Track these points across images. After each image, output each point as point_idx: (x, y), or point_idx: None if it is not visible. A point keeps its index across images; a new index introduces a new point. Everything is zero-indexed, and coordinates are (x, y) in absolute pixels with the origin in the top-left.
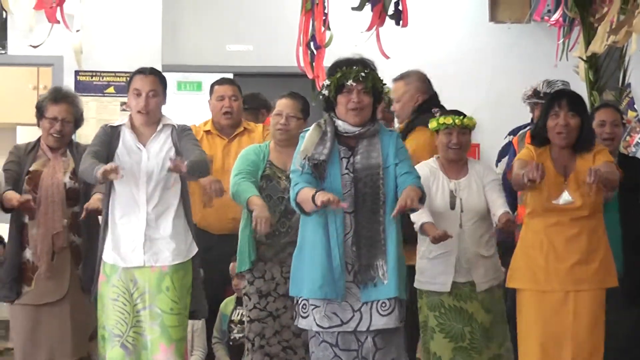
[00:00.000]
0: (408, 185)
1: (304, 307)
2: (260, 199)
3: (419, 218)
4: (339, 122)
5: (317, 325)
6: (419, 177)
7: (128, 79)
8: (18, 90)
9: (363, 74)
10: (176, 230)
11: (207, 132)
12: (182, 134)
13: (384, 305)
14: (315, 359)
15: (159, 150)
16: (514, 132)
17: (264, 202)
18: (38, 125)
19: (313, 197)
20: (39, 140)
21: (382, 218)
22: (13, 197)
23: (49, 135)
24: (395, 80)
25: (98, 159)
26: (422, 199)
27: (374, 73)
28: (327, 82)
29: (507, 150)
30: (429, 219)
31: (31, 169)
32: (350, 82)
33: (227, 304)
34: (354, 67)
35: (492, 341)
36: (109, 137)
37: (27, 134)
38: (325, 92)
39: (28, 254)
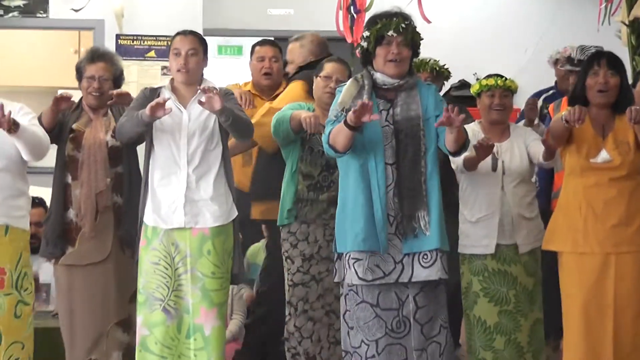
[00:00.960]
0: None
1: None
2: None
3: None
4: (377, 75)
5: (360, 278)
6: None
7: (169, 42)
8: (59, 54)
9: (403, 26)
10: (217, 193)
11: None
12: (225, 97)
13: (425, 257)
14: (354, 318)
15: (199, 112)
16: (536, 96)
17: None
18: (79, 87)
19: (345, 122)
20: (81, 100)
21: (423, 169)
22: (46, 110)
23: (88, 94)
24: (291, 41)
25: None
26: (465, 143)
27: (413, 26)
28: (366, 33)
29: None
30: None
31: (74, 127)
32: (390, 32)
33: (256, 253)
34: (394, 19)
35: (535, 304)
36: (149, 100)
37: None
38: (364, 44)
39: (71, 214)
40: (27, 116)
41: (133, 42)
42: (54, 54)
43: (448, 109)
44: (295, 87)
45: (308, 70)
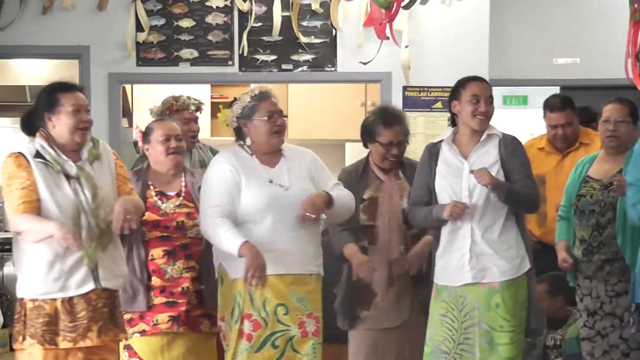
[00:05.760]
0: None
1: None
2: (566, 246)
3: None
4: None
5: None
6: None
7: (455, 87)
8: (346, 107)
9: None
10: (505, 246)
11: (541, 149)
12: (510, 149)
13: None
14: None
15: (481, 161)
16: None
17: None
18: (365, 145)
19: None
20: (367, 161)
21: None
22: (353, 254)
23: (384, 159)
24: None
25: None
26: None
27: None
28: None
29: None
30: None
31: (365, 196)
32: None
33: None
34: None
35: None
36: (433, 159)
37: (355, 151)
38: None
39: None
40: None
41: (420, 93)
42: (341, 107)
43: None
44: None
45: None
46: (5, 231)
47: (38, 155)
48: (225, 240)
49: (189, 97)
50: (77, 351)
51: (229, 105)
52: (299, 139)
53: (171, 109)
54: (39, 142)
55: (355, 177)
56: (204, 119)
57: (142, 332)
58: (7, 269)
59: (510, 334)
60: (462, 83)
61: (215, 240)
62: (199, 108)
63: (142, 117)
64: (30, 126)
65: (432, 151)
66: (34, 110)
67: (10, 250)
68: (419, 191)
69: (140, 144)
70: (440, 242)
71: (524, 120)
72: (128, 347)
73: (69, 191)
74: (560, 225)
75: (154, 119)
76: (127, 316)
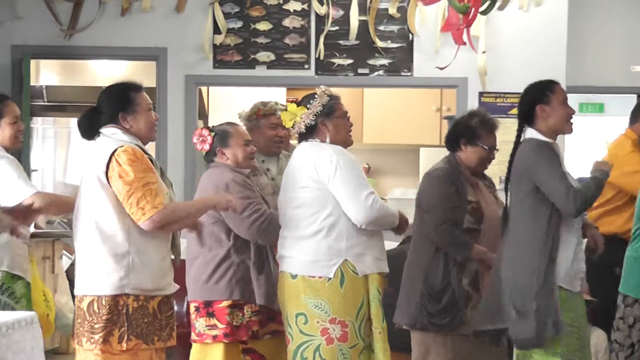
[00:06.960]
0: None
1: None
2: None
3: None
4: None
5: None
6: None
7: (539, 91)
8: (421, 112)
9: None
10: None
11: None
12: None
13: None
14: None
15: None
16: None
17: None
18: (456, 146)
19: None
20: (457, 165)
21: None
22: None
23: (482, 163)
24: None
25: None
26: None
27: None
28: None
29: None
30: None
31: (471, 198)
32: None
33: None
34: None
35: None
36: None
37: (430, 156)
38: None
39: (464, 282)
40: None
41: (496, 99)
42: (416, 112)
43: None
44: None
45: None
46: None
47: (144, 151)
48: (393, 213)
49: (276, 103)
50: (161, 352)
51: (299, 103)
52: (373, 144)
53: (258, 114)
54: (131, 139)
55: (461, 180)
56: None
57: (274, 333)
58: None
59: None
60: (548, 87)
61: (387, 218)
62: None
63: (217, 119)
64: (94, 127)
65: (555, 149)
66: (98, 110)
67: None
68: (568, 180)
69: (205, 147)
70: (569, 246)
71: (600, 128)
72: (249, 351)
73: (165, 187)
74: None
75: (238, 123)
76: (255, 318)
